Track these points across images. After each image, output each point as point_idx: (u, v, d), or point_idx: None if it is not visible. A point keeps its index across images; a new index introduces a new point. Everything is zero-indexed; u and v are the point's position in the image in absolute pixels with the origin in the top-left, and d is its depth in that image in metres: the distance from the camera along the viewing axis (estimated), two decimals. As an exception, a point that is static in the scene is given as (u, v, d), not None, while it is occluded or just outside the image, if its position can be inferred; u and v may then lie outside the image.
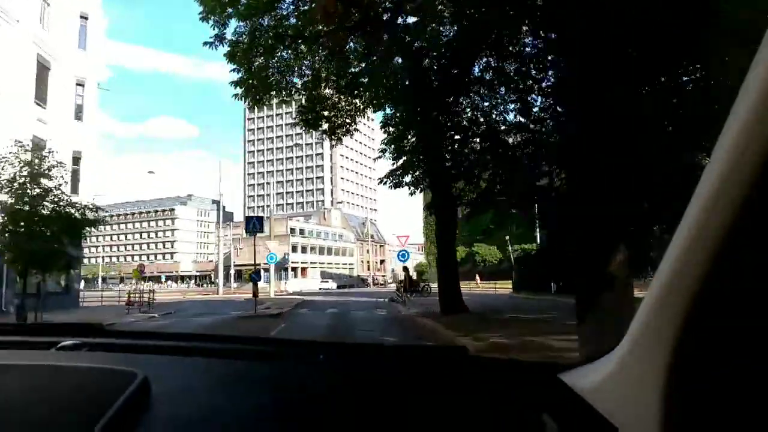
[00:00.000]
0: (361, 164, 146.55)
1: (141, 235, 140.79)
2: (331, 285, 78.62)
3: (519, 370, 1.35)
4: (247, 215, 19.14)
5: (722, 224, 0.57)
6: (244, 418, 0.94)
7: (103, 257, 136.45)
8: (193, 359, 1.27)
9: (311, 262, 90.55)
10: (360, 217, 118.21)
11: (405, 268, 25.25)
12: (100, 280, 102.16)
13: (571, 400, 0.97)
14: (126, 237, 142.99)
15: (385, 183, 18.60)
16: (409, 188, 18.73)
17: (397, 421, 0.96)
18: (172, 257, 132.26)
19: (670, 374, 0.68)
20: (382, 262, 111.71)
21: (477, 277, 60.96)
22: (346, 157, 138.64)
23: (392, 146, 18.46)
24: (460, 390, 1.10)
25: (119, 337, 1.71)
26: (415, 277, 70.62)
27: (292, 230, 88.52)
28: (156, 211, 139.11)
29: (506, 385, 1.12)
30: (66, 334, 1.42)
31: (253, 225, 17.59)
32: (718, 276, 0.59)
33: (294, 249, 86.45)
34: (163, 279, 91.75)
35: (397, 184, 18.61)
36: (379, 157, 18.87)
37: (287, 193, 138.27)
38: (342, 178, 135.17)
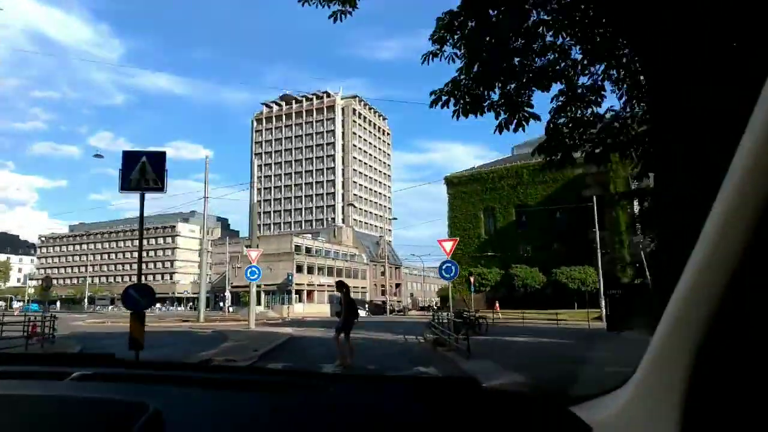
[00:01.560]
0: (375, 180, 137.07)
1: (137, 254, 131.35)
2: (362, 313, 68.18)
3: (531, 402, 1.33)
4: (126, 150, 7.51)
5: (731, 259, 0.56)
6: None
7: (98, 276, 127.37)
8: (205, 391, 1.28)
9: (318, 285, 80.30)
10: (374, 236, 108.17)
11: (340, 283, 12.34)
12: (86, 300, 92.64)
13: None
14: (123, 255, 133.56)
15: (445, 104, 8.73)
16: (502, 113, 8.89)
17: None
18: (171, 278, 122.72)
19: (684, 406, 0.67)
20: (397, 285, 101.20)
21: (497, 305, 52.24)
22: (360, 172, 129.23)
23: (467, 22, 8.75)
24: (471, 423, 1.11)
25: (132, 367, 1.69)
26: (438, 304, 60.64)
27: (298, 248, 78.55)
28: (156, 228, 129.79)
29: (518, 418, 1.13)
30: (79, 364, 1.45)
31: (141, 171, 7.06)
32: (730, 305, 0.59)
33: (299, 269, 76.39)
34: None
35: (475, 102, 8.76)
36: (432, 57, 9.06)
37: (295, 209, 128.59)
38: (354, 194, 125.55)
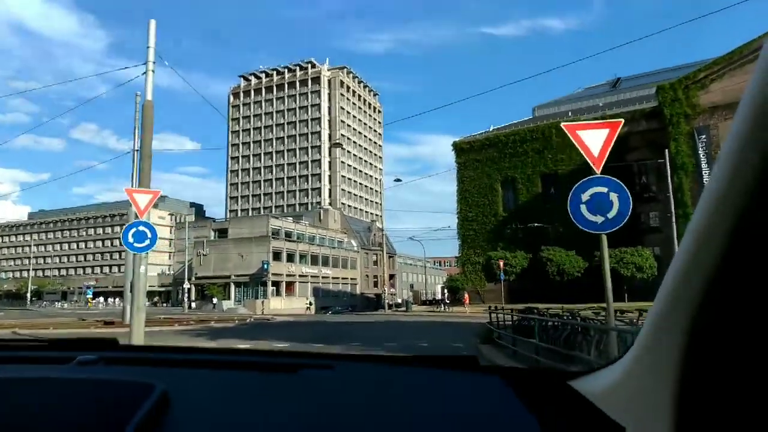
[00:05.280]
0: (365, 161, 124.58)
1: (100, 243, 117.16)
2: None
3: (531, 377, 1.34)
4: None
5: (723, 233, 0.57)
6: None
7: (42, 269, 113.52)
8: (210, 372, 1.29)
9: (300, 275, 67.83)
10: (365, 221, 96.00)
11: None
12: (29, 295, 79.15)
13: (581, 405, 1.01)
14: (78, 245, 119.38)
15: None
16: None
17: (411, 430, 1.00)
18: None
19: (678, 377, 0.69)
20: (391, 277, 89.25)
21: (466, 298, 43.38)
22: (348, 151, 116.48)
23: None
24: (472, 398, 1.14)
25: (136, 351, 1.67)
26: (444, 297, 48.20)
27: (275, 232, 65.94)
28: (120, 215, 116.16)
29: (518, 393, 1.14)
30: (83, 348, 1.44)
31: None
32: (723, 281, 0.60)
33: (277, 256, 63.88)
34: (90, 295, 68.00)
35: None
36: None
37: (276, 193, 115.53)
38: (342, 176, 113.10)
